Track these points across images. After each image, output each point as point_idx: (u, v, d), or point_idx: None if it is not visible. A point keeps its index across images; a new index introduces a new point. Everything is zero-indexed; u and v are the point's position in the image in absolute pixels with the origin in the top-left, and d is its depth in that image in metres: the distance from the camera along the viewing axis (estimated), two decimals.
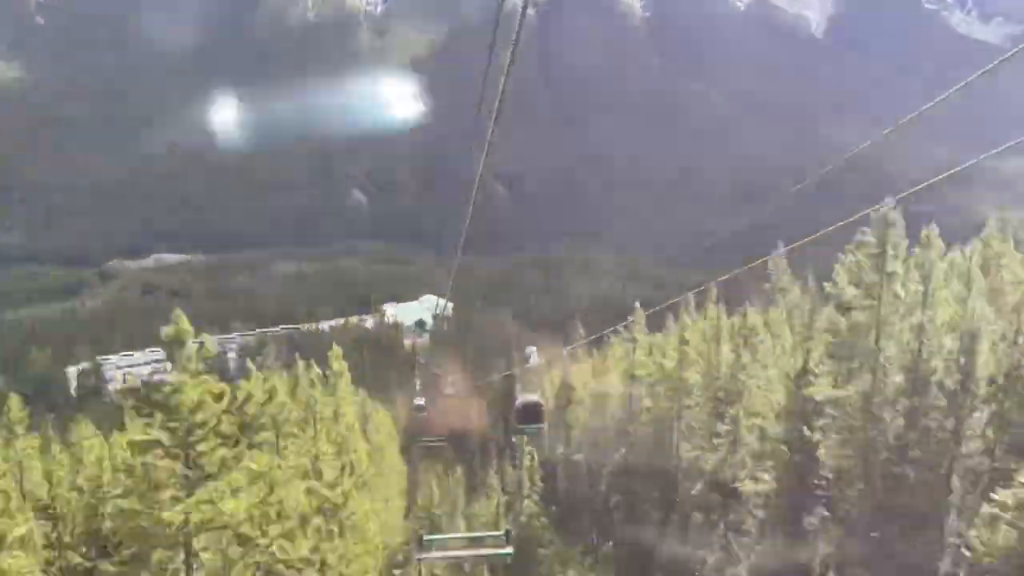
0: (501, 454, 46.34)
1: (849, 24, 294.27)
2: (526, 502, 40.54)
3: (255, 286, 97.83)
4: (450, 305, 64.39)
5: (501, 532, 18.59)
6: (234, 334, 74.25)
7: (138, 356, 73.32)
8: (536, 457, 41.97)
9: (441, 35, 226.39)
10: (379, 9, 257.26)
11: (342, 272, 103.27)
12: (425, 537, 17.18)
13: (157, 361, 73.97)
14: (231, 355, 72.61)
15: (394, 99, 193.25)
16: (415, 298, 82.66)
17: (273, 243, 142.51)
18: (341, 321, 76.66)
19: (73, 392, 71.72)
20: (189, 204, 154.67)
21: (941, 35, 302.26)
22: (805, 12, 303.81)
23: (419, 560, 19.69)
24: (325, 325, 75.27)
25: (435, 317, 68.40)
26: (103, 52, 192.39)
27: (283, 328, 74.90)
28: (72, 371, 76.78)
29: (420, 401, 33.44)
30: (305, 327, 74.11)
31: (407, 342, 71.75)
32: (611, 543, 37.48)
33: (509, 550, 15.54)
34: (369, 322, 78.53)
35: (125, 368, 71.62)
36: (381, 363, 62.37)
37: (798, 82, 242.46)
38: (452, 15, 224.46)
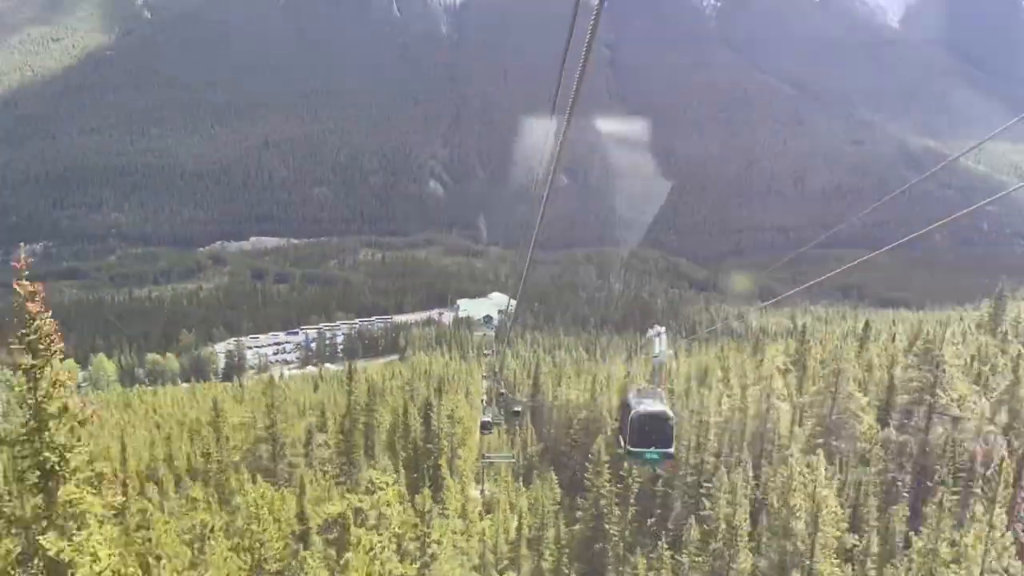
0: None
1: (927, 17, 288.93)
2: None
3: (346, 274, 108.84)
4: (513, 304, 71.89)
5: None
6: (339, 323, 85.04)
7: (263, 339, 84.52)
8: None
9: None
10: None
11: (419, 263, 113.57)
12: None
13: (278, 343, 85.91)
14: (339, 342, 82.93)
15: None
16: (484, 293, 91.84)
17: (355, 230, 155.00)
18: (424, 316, 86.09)
19: (220, 370, 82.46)
20: (279, 191, 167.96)
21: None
22: (881, 1, 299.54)
23: None
24: (412, 318, 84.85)
25: (501, 313, 76.79)
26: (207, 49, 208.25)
27: (377, 319, 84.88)
28: (220, 349, 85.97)
29: (486, 418, 27.59)
30: (396, 319, 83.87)
31: (478, 335, 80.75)
32: None
33: None
34: (447, 315, 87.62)
35: (255, 348, 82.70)
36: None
37: (870, 73, 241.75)
38: None
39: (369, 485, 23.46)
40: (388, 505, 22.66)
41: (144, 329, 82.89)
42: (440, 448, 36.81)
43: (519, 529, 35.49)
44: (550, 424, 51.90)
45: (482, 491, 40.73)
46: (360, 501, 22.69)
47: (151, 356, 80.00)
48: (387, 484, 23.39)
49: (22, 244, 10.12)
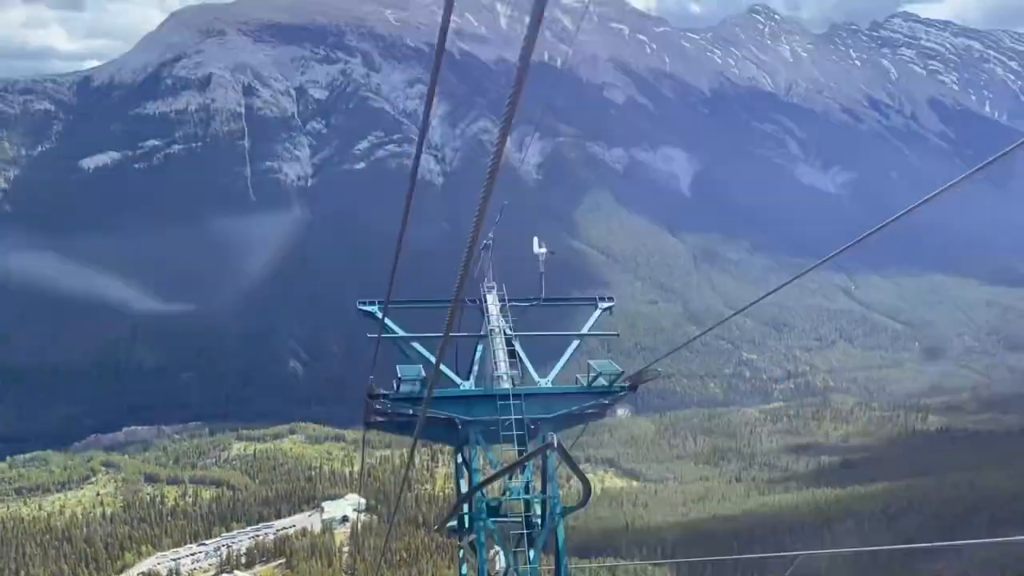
0: None
1: (710, 180, 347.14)
2: None
3: (227, 474, 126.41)
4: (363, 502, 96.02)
5: None
6: (235, 532, 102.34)
7: (182, 551, 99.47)
8: None
9: None
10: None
11: (287, 457, 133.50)
12: None
13: (194, 554, 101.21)
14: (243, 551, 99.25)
15: None
16: (343, 490, 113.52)
17: (222, 415, 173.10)
18: (300, 518, 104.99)
19: None
20: (148, 379, 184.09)
21: (788, 185, 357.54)
22: (675, 170, 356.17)
23: None
24: (291, 521, 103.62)
25: (356, 511, 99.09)
26: None
27: (264, 527, 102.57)
28: (154, 565, 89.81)
29: None
30: (278, 523, 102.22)
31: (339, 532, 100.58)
32: None
33: None
34: (315, 517, 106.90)
35: (177, 560, 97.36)
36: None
37: (667, 238, 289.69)
38: None
39: None
40: None
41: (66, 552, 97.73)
42: None
43: None
44: None
45: None
46: None
47: None
48: None
49: None
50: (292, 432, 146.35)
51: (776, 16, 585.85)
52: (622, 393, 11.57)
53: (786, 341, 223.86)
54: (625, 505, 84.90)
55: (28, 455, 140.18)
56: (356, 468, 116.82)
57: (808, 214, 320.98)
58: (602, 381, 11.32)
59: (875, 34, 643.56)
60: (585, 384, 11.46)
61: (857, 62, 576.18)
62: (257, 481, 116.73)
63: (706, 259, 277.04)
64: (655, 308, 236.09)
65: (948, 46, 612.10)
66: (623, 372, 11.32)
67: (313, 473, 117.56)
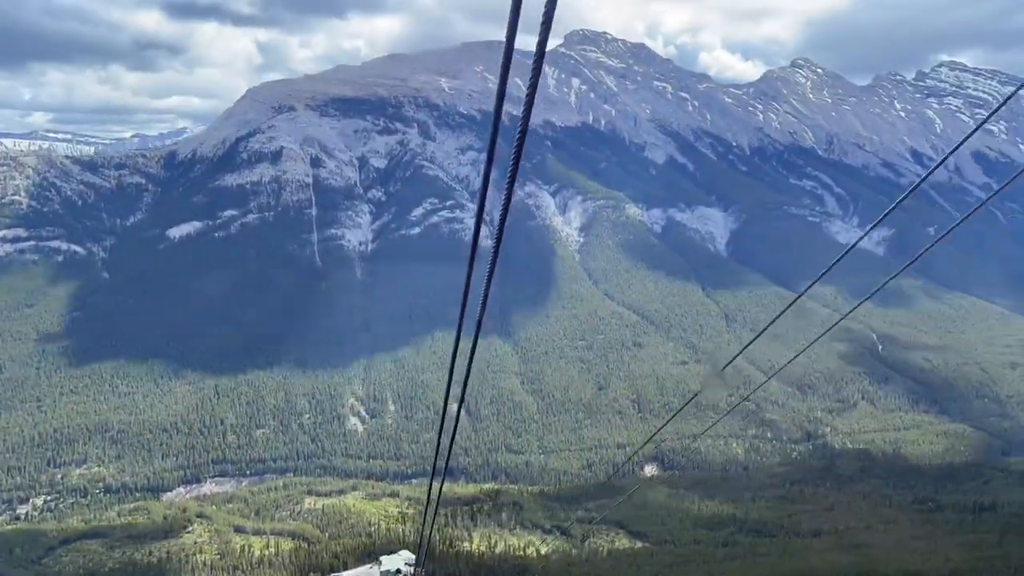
0: None
1: (746, 238, 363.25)
2: None
3: (301, 527, 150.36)
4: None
5: None
6: None
7: None
8: None
9: None
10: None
11: (350, 513, 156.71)
12: None
13: None
14: None
15: None
16: (398, 545, 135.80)
17: (292, 468, 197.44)
18: (363, 570, 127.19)
19: None
20: (228, 435, 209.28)
21: (823, 243, 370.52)
22: (712, 229, 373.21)
23: None
24: (356, 573, 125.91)
25: (409, 565, 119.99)
26: None
27: None
28: None
29: None
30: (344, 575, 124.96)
31: None
32: None
33: None
34: (375, 569, 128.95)
35: None
36: None
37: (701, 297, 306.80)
38: None
39: None
40: None
41: None
42: None
43: None
44: None
45: None
46: None
47: None
48: None
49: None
50: (354, 488, 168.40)
51: (819, 69, 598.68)
52: None
53: (809, 402, 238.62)
54: (622, 565, 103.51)
55: (132, 504, 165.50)
56: (407, 525, 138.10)
57: (841, 273, 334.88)
58: None
59: (920, 83, 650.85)
60: None
61: (901, 113, 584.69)
62: (327, 534, 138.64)
63: (738, 318, 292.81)
64: (684, 369, 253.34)
65: (996, 95, 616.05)
66: None
67: (372, 529, 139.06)
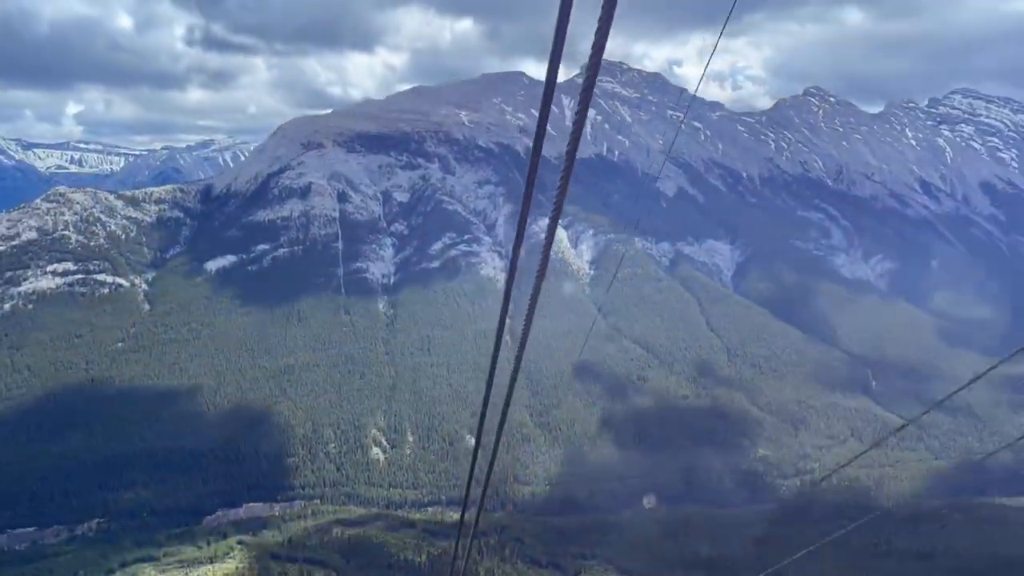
0: None
1: (751, 272, 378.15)
2: None
3: (329, 555, 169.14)
4: None
5: None
6: None
7: None
8: None
9: None
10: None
11: (374, 543, 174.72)
12: None
13: None
14: None
15: None
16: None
17: (319, 495, 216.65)
18: None
19: None
20: (262, 462, 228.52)
21: (827, 276, 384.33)
22: (718, 262, 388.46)
23: None
24: None
25: None
26: None
27: None
28: None
29: None
30: None
31: None
32: None
33: None
34: None
35: None
36: None
37: (703, 330, 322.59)
38: None
39: None
40: None
41: None
42: None
43: None
44: None
45: None
46: None
47: None
48: None
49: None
50: (376, 519, 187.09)
51: (831, 98, 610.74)
52: None
53: (800, 438, 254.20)
54: None
55: (177, 530, 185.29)
56: (423, 557, 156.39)
57: (841, 306, 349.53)
58: None
59: (933, 111, 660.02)
60: None
61: (912, 141, 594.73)
62: (352, 564, 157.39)
63: (739, 353, 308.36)
64: (685, 403, 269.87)
65: (1009, 123, 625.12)
66: None
67: (392, 560, 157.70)
